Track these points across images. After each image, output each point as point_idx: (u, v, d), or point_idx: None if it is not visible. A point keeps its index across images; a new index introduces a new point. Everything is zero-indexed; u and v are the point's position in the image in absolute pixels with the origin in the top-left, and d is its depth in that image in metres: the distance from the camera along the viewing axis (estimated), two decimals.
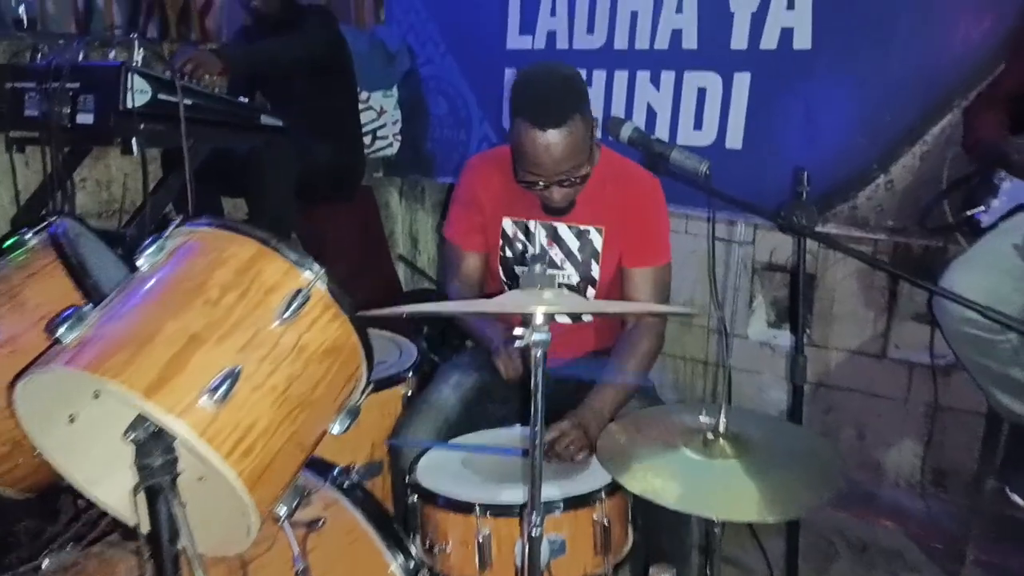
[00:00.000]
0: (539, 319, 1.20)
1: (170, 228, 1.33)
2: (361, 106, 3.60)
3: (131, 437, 1.21)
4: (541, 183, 1.94)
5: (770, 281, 3.18)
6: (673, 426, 1.66)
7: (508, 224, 2.18)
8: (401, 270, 3.88)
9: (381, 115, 3.64)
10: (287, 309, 1.26)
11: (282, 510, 1.33)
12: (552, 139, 1.85)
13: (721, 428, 1.57)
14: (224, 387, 1.15)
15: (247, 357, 1.20)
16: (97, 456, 1.33)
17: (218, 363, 1.17)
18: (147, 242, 1.30)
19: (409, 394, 2.15)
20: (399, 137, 3.71)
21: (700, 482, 1.42)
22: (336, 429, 1.42)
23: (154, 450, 1.22)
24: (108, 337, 1.19)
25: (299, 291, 1.30)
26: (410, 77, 3.69)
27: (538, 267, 1.27)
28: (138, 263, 1.28)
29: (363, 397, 1.45)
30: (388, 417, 2.08)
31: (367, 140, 3.64)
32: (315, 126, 2.94)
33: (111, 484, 1.33)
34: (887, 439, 2.95)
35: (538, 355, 1.23)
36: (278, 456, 1.22)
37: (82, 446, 1.33)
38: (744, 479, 1.41)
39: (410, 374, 2.16)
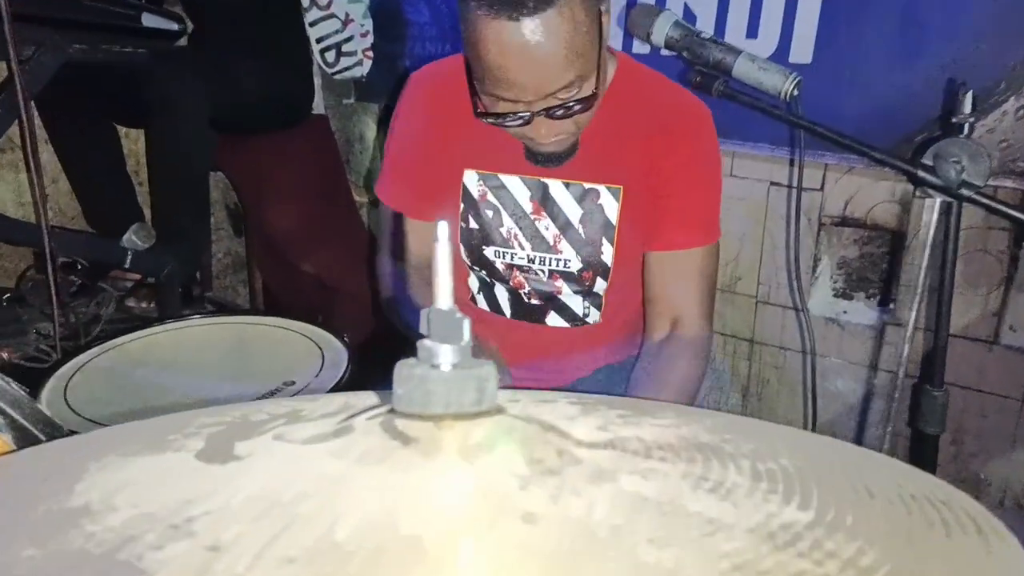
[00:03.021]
0: None
1: None
2: (322, 13, 2.70)
3: None
4: (517, 115, 1.07)
5: (838, 238, 2.32)
6: None
7: (472, 179, 1.32)
8: (377, 219, 3.05)
9: (347, 25, 2.73)
10: None
11: None
12: (530, 34, 0.97)
13: None
14: None
15: None
16: None
17: None
18: None
19: None
20: (370, 54, 2.81)
21: None
22: None
23: None
24: None
25: None
26: None
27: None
28: None
29: None
30: None
31: (330, 56, 2.76)
32: (239, 37, 2.07)
33: None
34: (993, 448, 2.13)
35: None
36: None
37: None
38: None
39: None
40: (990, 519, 0.36)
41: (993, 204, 1.08)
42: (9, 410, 0.53)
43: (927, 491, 0.40)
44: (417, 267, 1.39)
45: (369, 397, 0.57)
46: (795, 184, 2.23)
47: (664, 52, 1.40)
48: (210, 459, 0.41)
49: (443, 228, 0.45)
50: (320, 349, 1.51)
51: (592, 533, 0.31)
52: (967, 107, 1.12)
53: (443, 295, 0.44)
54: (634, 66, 1.29)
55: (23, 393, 0.55)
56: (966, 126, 1.12)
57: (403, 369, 0.44)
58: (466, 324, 0.43)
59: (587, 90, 1.08)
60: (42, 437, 0.56)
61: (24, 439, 0.55)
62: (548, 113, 1.07)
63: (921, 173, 1.12)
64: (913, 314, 1.68)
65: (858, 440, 2.26)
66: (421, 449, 0.38)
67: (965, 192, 1.09)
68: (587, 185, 1.28)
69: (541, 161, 1.23)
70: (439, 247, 0.45)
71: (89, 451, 0.46)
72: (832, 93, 2.02)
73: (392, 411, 0.44)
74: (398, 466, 0.37)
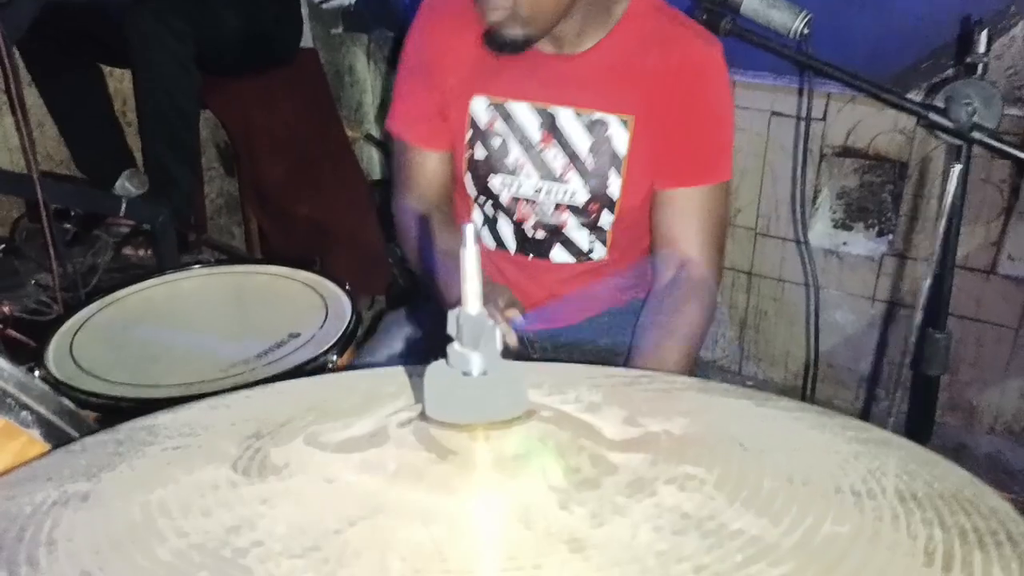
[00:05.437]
0: None
1: None
2: None
3: None
4: None
5: (839, 169, 2.30)
6: None
7: (480, 106, 1.30)
8: (371, 155, 3.00)
9: None
10: None
11: None
12: None
13: None
14: None
15: None
16: None
17: None
18: None
19: None
20: None
21: None
22: None
23: None
24: None
25: None
26: None
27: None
28: None
29: None
30: None
31: None
32: None
33: None
34: (987, 376, 2.17)
35: None
36: None
37: None
38: None
39: (334, 357, 1.36)
40: (1019, 521, 0.37)
41: (1004, 148, 1.07)
42: (36, 405, 0.54)
43: (954, 488, 0.41)
44: (427, 199, 1.38)
45: (392, 383, 0.58)
46: (799, 114, 2.20)
47: None
48: (247, 471, 0.42)
49: (470, 231, 0.44)
50: (323, 299, 1.50)
51: (640, 561, 0.31)
52: (982, 46, 1.09)
53: (472, 299, 0.44)
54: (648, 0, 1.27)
55: (47, 388, 0.55)
56: (980, 66, 1.09)
57: (434, 375, 0.44)
58: (497, 332, 0.43)
59: None
60: (68, 429, 0.57)
61: (51, 434, 0.55)
62: None
63: (933, 115, 1.10)
64: (911, 246, 1.69)
65: (857, 373, 2.30)
66: (458, 463, 0.39)
67: (976, 135, 1.08)
68: (597, 114, 1.28)
69: (491, 45, 1.21)
70: (467, 251, 0.44)
71: (121, 456, 0.46)
72: (843, 16, 1.97)
73: (423, 416, 0.44)
74: (437, 485, 0.37)
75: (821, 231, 2.33)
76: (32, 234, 1.80)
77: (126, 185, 1.81)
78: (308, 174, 2.24)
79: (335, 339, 1.38)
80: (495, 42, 1.20)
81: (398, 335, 1.49)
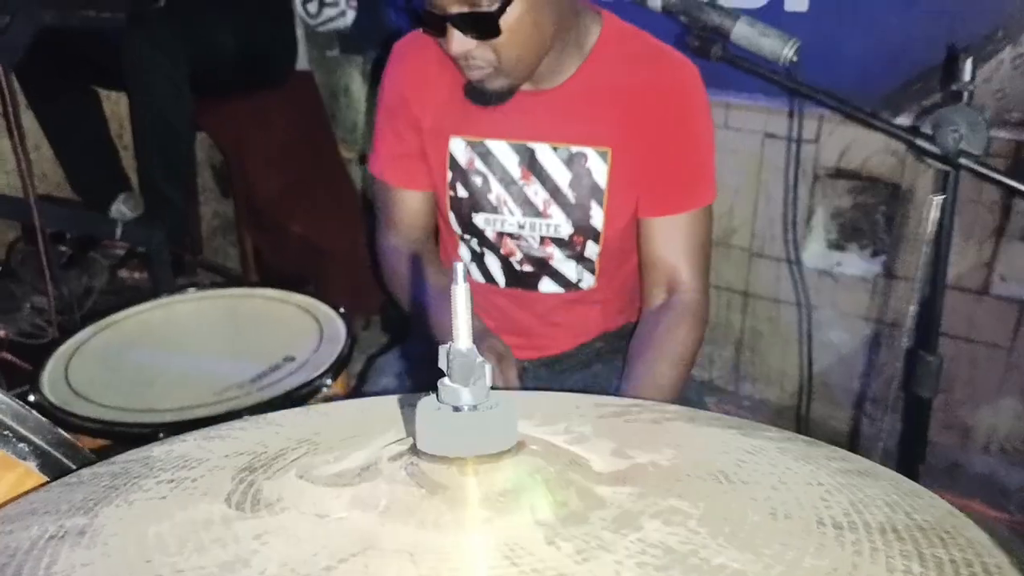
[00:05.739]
0: None
1: None
2: None
3: None
4: (432, 14, 1.12)
5: (832, 189, 2.32)
6: None
7: (458, 147, 1.31)
8: (366, 175, 3.02)
9: None
10: None
11: None
12: None
13: None
14: None
15: None
16: None
17: None
18: None
19: None
20: (354, 3, 2.74)
21: None
22: None
23: None
24: None
25: None
26: None
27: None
28: None
29: None
30: None
31: (312, 8, 2.69)
32: None
33: None
34: (981, 396, 2.18)
35: None
36: None
37: None
38: None
39: (329, 381, 1.36)
40: (994, 553, 0.38)
41: (990, 174, 1.09)
42: (33, 437, 0.55)
43: (935, 519, 0.42)
44: (410, 236, 1.40)
45: (384, 413, 0.59)
46: (791, 136, 2.23)
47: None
48: (240, 506, 0.42)
49: (459, 269, 0.45)
50: (317, 322, 1.52)
51: None
52: (967, 75, 1.11)
53: (463, 335, 0.45)
54: (620, 26, 1.28)
55: (44, 419, 0.56)
56: (966, 94, 1.12)
57: (425, 409, 0.45)
58: (487, 368, 0.44)
59: (490, 5, 1.08)
60: (65, 461, 0.57)
61: (47, 465, 0.56)
62: (457, 21, 1.09)
63: (920, 141, 1.12)
64: (905, 267, 1.71)
65: (851, 392, 2.31)
66: (448, 499, 0.40)
67: (963, 161, 1.10)
68: (574, 148, 1.28)
69: (476, 98, 1.23)
70: (457, 288, 0.45)
71: (117, 490, 0.47)
72: (830, 39, 2.00)
73: (415, 450, 0.45)
74: (427, 521, 0.38)
75: (815, 252, 2.34)
76: (28, 257, 1.81)
77: (122, 208, 1.82)
78: (303, 193, 2.26)
79: (330, 363, 1.39)
80: (479, 96, 1.22)
81: (390, 373, 1.50)
